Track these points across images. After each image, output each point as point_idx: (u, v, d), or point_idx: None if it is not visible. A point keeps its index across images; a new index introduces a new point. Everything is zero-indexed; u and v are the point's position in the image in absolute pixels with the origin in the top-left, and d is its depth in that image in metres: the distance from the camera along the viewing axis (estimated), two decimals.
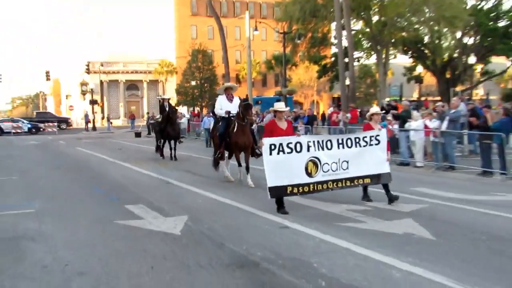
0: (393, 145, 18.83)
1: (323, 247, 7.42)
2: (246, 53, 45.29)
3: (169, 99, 22.61)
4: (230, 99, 14.19)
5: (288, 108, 12.27)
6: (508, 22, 44.88)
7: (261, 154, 11.05)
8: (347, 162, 10.05)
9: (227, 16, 74.14)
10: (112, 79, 78.81)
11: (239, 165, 13.61)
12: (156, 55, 78.14)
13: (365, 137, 10.37)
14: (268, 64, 72.24)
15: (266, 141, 9.56)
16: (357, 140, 10.28)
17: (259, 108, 36.53)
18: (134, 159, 21.43)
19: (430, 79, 57.64)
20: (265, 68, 75.08)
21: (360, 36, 44.06)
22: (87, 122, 58.43)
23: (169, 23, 79.50)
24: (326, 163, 9.82)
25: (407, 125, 18.39)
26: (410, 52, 48.13)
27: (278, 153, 9.48)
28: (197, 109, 60.81)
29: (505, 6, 45.70)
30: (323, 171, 9.81)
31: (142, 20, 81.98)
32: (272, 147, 9.49)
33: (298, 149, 9.65)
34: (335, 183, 9.97)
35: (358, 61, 48.30)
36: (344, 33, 34.99)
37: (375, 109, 11.25)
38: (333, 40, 46.11)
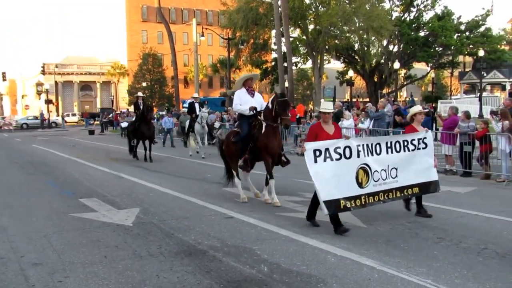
0: None
1: (265, 235, 7.44)
2: (193, 57, 45.01)
3: (143, 96, 20.31)
4: (251, 92, 10.57)
5: (333, 111, 9.04)
6: (428, 33, 46.31)
7: (289, 162, 10.07)
8: (396, 169, 8.11)
9: (175, 23, 73.42)
10: (67, 80, 76.92)
11: (271, 177, 9.82)
12: (109, 58, 76.74)
13: (413, 139, 8.47)
14: (214, 68, 71.95)
15: (309, 146, 7.43)
16: (405, 143, 8.38)
17: (206, 107, 36.38)
18: (88, 155, 20.91)
19: (360, 82, 58.91)
20: (211, 71, 74.77)
21: (297, 42, 44.42)
22: (42, 120, 56.75)
23: (121, 28, 78.11)
24: (376, 170, 7.82)
25: (339, 124, 18.66)
26: (342, 58, 48.96)
27: (324, 160, 7.38)
28: None
29: (425, 18, 47.13)
30: (374, 181, 7.77)
31: (95, 24, 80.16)
32: (317, 153, 7.38)
33: (348, 154, 7.54)
34: (385, 194, 7.96)
35: (296, 65, 48.73)
36: (283, 40, 35.18)
37: (417, 108, 9.21)
38: (273, 46, 46.31)
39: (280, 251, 6.55)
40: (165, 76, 66.37)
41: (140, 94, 20.14)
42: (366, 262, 6.04)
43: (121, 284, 5.45)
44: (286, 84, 36.08)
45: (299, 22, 41.38)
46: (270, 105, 9.76)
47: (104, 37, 78.60)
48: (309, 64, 49.14)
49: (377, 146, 7.96)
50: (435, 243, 6.89)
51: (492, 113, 18.31)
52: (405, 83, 55.27)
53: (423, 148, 8.50)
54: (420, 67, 56.79)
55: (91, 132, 41.58)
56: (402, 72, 53.00)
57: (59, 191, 11.83)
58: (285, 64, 35.96)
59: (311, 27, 42.47)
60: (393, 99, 33.35)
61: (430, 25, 45.40)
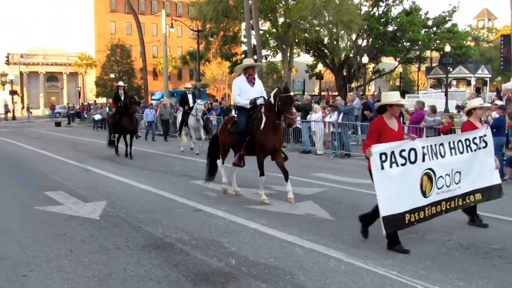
0: (296, 134, 19.29)
1: (233, 227, 7.45)
2: (162, 49, 44.58)
3: (124, 86, 17.90)
4: (252, 81, 9.65)
5: (405, 102, 7.98)
6: (396, 27, 46.87)
7: (287, 158, 9.38)
8: (460, 173, 7.00)
9: (144, 13, 72.55)
10: (32, 71, 75.29)
11: (262, 173, 9.27)
12: (76, 48, 75.42)
13: (475, 138, 7.35)
14: (183, 60, 71.49)
15: (375, 150, 6.16)
16: (467, 142, 7.25)
17: (174, 100, 36.23)
18: (54, 147, 20.54)
19: (329, 76, 59.27)
20: (181, 63, 74.28)
21: (267, 35, 44.46)
22: (6, 112, 55.56)
23: (89, 18, 76.79)
24: (441, 176, 6.70)
25: (308, 117, 18.79)
26: (311, 52, 49.16)
27: (390, 166, 6.22)
28: None
29: (393, 13, 47.68)
30: (437, 188, 6.66)
31: (62, 14, 78.60)
32: (383, 157, 6.18)
33: (413, 158, 6.41)
34: (448, 203, 6.86)
35: (266, 58, 48.77)
36: (253, 32, 35.15)
37: (477, 101, 7.78)
38: (243, 39, 46.27)
39: (248, 244, 6.57)
40: (133, 68, 65.67)
41: (121, 83, 17.94)
42: (333, 254, 6.10)
43: (87, 278, 5.39)
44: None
45: (269, 15, 41.40)
46: (272, 100, 8.93)
47: (71, 28, 77.18)
48: (279, 57, 49.27)
49: (441, 147, 6.85)
50: (401, 236, 6.98)
51: (458, 107, 18.71)
52: (373, 77, 55.95)
53: (483, 148, 7.41)
54: (388, 62, 57.50)
55: (58, 124, 40.86)
56: (371, 66, 53.61)
57: (24, 184, 11.60)
58: (255, 57, 35.94)
59: (281, 20, 42.52)
60: (361, 93, 33.69)
61: (398, 20, 45.99)
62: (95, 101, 54.42)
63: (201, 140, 18.39)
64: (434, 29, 48.58)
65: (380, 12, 47.68)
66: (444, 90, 40.39)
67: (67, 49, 76.89)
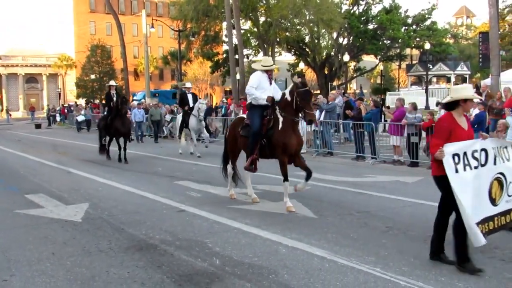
0: None
1: (217, 227, 7.44)
2: (143, 49, 44.32)
3: (116, 86, 17.03)
4: (270, 80, 9.07)
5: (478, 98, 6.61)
6: (376, 26, 47.16)
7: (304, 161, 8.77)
8: None
9: (124, 14, 72.01)
10: (11, 72, 74.29)
11: (286, 179, 8.55)
12: (55, 49, 74.60)
13: None
14: (164, 60, 71.08)
15: (449, 150, 5.41)
16: None
17: (156, 100, 36.04)
18: (34, 149, 20.31)
19: (311, 74, 59.38)
20: (162, 63, 73.83)
21: (248, 35, 44.42)
22: None
23: (68, 19, 76.01)
24: (511, 182, 5.87)
25: None
26: (293, 50, 49.23)
27: (464, 169, 5.45)
28: (97, 101, 58.79)
29: (373, 11, 47.98)
30: (508, 195, 5.83)
31: (41, 15, 77.67)
32: (456, 159, 5.43)
33: (483, 160, 5.64)
34: None
35: (247, 57, 48.70)
36: (234, 32, 35.10)
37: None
38: (224, 38, 46.16)
39: (232, 244, 6.56)
40: (114, 69, 65.15)
41: (112, 83, 17.05)
42: (316, 252, 6.13)
43: (70, 281, 5.34)
44: (238, 77, 36.08)
45: (250, 14, 41.37)
46: (288, 97, 8.40)
47: (50, 29, 76.33)
48: (260, 56, 49.22)
49: (505, 150, 5.99)
50: (383, 232, 7.06)
51: (438, 104, 18.88)
52: (354, 75, 56.17)
53: None
54: (369, 60, 57.77)
55: (38, 126, 40.39)
56: (352, 64, 53.82)
57: (4, 187, 11.44)
58: (237, 56, 35.92)
59: (262, 19, 42.52)
60: (343, 91, 33.87)
61: (378, 18, 46.24)
62: (75, 102, 53.88)
63: (204, 141, 17.95)
64: (414, 27, 48.90)
65: (361, 11, 47.89)
66: (425, 88, 40.72)
67: (46, 50, 76.00)
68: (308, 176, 8.53)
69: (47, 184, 11.56)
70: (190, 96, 17.74)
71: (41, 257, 6.16)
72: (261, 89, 8.79)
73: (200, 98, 18.26)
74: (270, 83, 8.97)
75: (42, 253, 6.30)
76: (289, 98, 8.38)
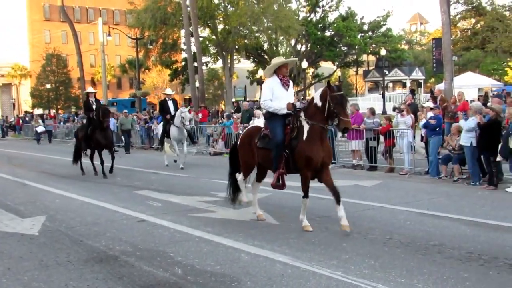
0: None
1: (178, 236, 7.37)
2: (100, 57, 43.74)
3: (95, 93, 15.51)
4: (286, 84, 7.86)
5: None
6: (333, 32, 47.85)
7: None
8: None
9: (80, 22, 70.78)
10: None
11: (306, 195, 7.68)
12: (9, 59, 72.72)
13: None
14: (122, 68, 70.11)
15: None
16: None
17: (115, 109, 35.52)
18: None
19: None
20: (120, 72, 72.79)
21: (207, 42, 44.38)
22: None
23: (22, 27, 74.27)
24: None
25: (251, 123, 18.84)
26: (252, 57, 49.44)
27: None
28: (53, 111, 57.61)
29: (330, 19, 48.67)
30: None
31: None
32: None
33: None
34: None
35: (206, 65, 48.63)
36: (193, 39, 35.04)
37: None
38: (183, 46, 46.01)
39: (194, 253, 6.51)
40: (70, 78, 63.96)
41: (90, 89, 15.79)
42: (279, 258, 6.14)
43: None
44: (197, 84, 35.99)
45: (208, 22, 41.36)
46: (319, 102, 7.33)
47: (3, 38, 74.42)
48: (219, 63, 49.24)
49: None
50: (344, 236, 7.13)
51: (395, 109, 19.26)
52: (313, 81, 56.78)
53: None
54: (327, 66, 58.49)
55: None
56: (310, 71, 54.41)
57: None
58: (195, 64, 35.84)
59: (220, 26, 42.56)
60: (302, 97, 34.18)
61: (335, 25, 46.91)
62: (32, 112, 52.63)
63: (184, 155, 16.33)
64: (370, 33, 49.86)
65: (318, 18, 48.51)
66: (381, 93, 41.50)
67: None
68: (338, 199, 7.40)
69: (1, 197, 11.22)
70: (170, 103, 16.64)
71: None
72: (276, 98, 7.69)
73: (181, 107, 17.30)
74: (287, 88, 7.84)
75: None
76: (319, 103, 7.33)
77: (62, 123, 36.74)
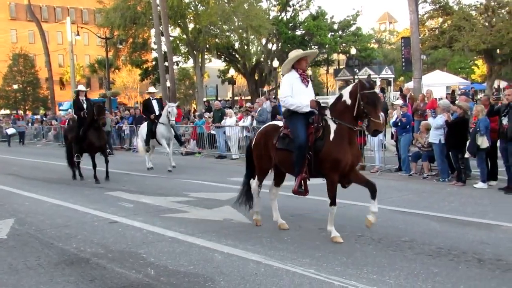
0: (211, 140, 19.31)
1: (150, 237, 7.32)
2: (69, 57, 43.12)
3: (86, 91, 14.34)
4: (306, 79, 7.26)
5: None
6: (304, 32, 48.11)
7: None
8: None
9: (48, 21, 69.60)
10: None
11: (333, 202, 6.98)
12: None
13: None
14: (91, 68, 69.22)
15: None
16: None
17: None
18: None
19: (241, 81, 59.71)
20: (89, 72, 71.86)
21: (178, 42, 44.11)
22: None
23: None
24: None
25: (223, 122, 18.84)
26: (223, 57, 49.35)
27: None
28: (20, 112, 56.52)
29: (300, 18, 48.92)
30: None
31: None
32: None
33: None
34: None
35: (177, 64, 48.39)
36: (163, 39, 34.75)
37: None
38: (153, 45, 45.65)
39: (166, 253, 6.48)
40: (38, 78, 62.86)
41: (81, 87, 14.55)
42: (252, 257, 6.16)
43: None
44: (168, 84, 35.75)
45: (179, 21, 41.10)
46: (348, 100, 6.72)
47: None
48: (190, 63, 48.99)
49: None
50: (317, 234, 7.19)
51: None
52: None
53: None
54: None
55: None
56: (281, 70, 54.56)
57: None
58: (166, 64, 35.58)
59: (191, 26, 42.34)
60: (273, 96, 34.25)
61: (305, 24, 47.18)
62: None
63: (170, 156, 15.38)
64: (340, 32, 50.26)
65: (288, 17, 48.70)
66: None
67: None
68: (373, 193, 6.84)
69: None
70: (155, 103, 15.69)
71: None
72: (296, 95, 7.07)
73: (169, 102, 16.35)
74: (307, 84, 7.23)
75: None
76: (348, 101, 6.71)
77: (30, 124, 36.02)
